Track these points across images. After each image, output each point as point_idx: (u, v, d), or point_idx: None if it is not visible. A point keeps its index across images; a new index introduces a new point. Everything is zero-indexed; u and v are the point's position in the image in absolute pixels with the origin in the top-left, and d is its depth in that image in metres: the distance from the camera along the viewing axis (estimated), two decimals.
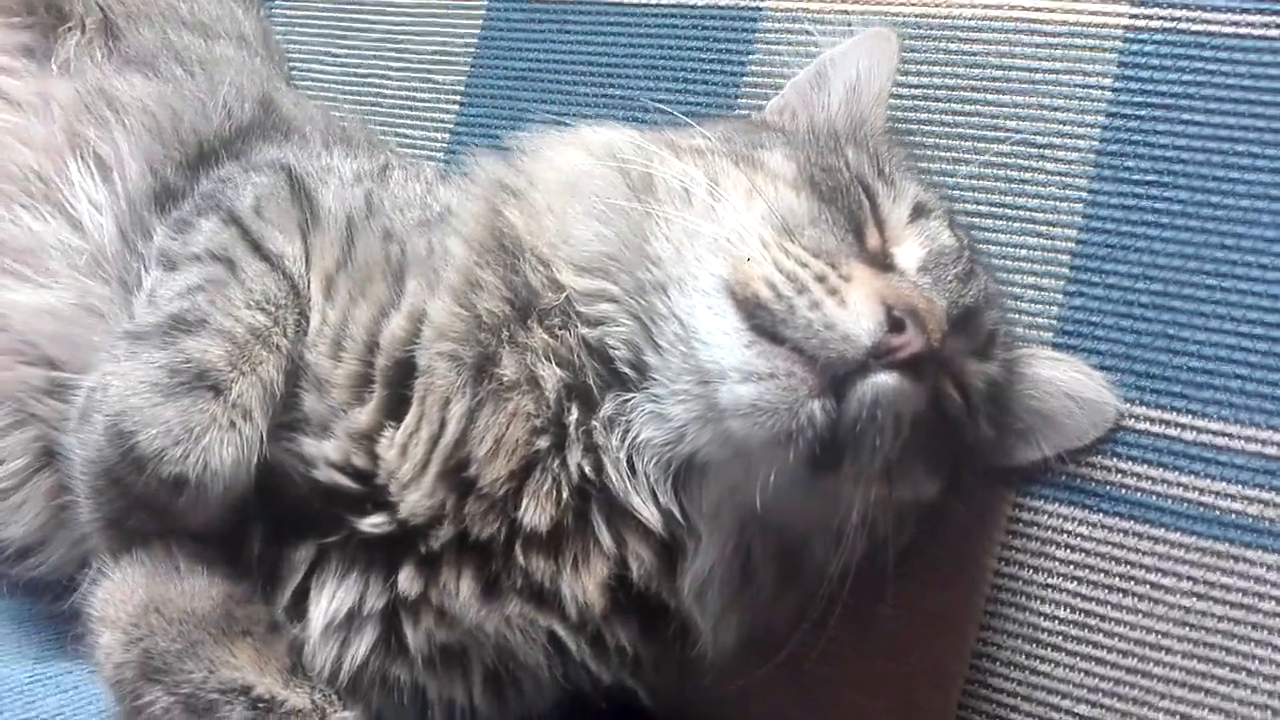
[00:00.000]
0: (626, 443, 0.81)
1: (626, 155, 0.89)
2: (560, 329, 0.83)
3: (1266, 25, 0.92)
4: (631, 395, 0.81)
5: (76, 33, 1.15)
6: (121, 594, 0.80)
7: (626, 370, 0.81)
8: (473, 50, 1.26)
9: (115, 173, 1.01)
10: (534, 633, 0.83)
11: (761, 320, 0.74)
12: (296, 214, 0.91)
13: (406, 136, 1.27)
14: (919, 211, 0.83)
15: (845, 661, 0.95)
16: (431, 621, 0.83)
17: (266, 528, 0.86)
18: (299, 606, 0.85)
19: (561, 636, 0.83)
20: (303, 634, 0.84)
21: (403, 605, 0.84)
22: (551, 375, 0.82)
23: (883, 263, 0.79)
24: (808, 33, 1.06)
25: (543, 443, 0.81)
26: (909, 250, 0.81)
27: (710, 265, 0.78)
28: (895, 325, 0.71)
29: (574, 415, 0.82)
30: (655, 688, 0.89)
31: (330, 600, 0.84)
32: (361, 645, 0.84)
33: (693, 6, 1.16)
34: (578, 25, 1.21)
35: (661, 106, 0.96)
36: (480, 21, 1.27)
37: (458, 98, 1.26)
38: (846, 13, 1.07)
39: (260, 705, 0.78)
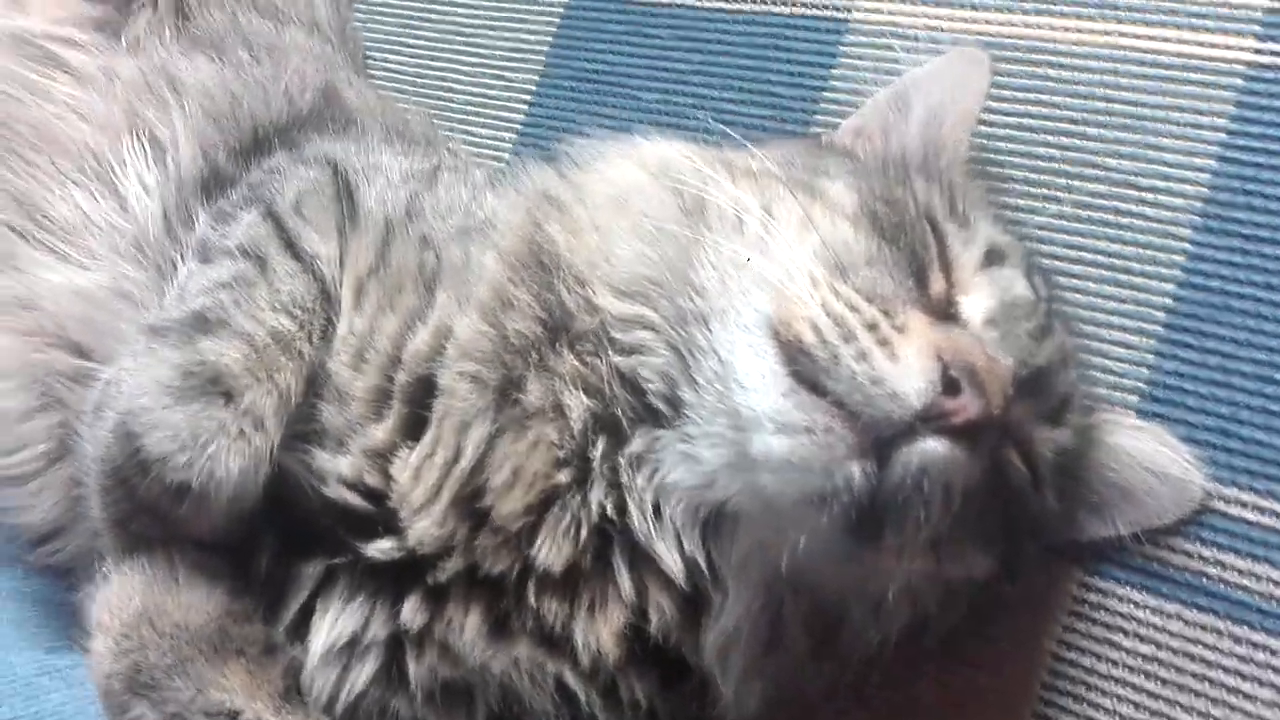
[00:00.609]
0: (654, 483, 0.76)
1: (683, 174, 0.82)
2: (592, 355, 0.78)
3: None
4: (662, 432, 0.75)
5: (149, 10, 1.14)
6: (118, 600, 0.78)
7: (659, 405, 0.76)
8: (547, 48, 1.22)
9: (169, 155, 0.99)
10: (542, 678, 0.78)
11: (803, 367, 0.67)
12: (336, 213, 0.87)
13: (474, 135, 1.23)
14: (993, 257, 0.75)
15: None
16: (435, 656, 0.79)
17: (276, 542, 0.82)
18: (301, 628, 0.81)
19: (571, 685, 0.78)
20: (302, 657, 0.80)
21: (407, 637, 0.79)
22: (579, 404, 0.77)
23: (945, 312, 0.71)
24: (895, 48, 0.98)
25: (564, 476, 0.76)
26: (977, 300, 0.73)
27: (755, 300, 0.72)
28: (950, 386, 0.64)
29: (600, 449, 0.76)
30: None
31: (333, 624, 0.80)
32: (362, 674, 0.80)
33: (776, 15, 1.09)
34: (655, 28, 1.15)
35: (722, 126, 0.89)
36: (557, 19, 1.22)
37: (528, 97, 1.21)
38: (938, 29, 0.99)
39: None
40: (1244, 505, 0.80)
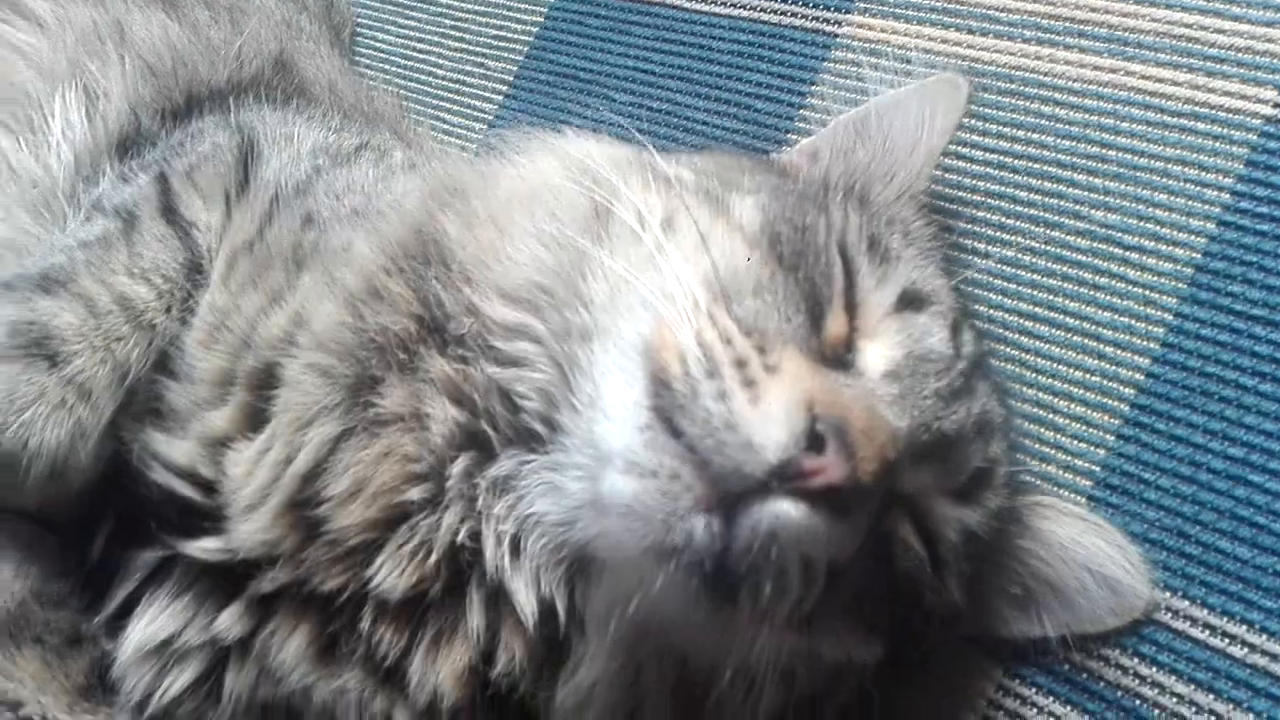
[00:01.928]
0: (515, 513, 0.66)
1: (598, 175, 0.74)
2: (463, 363, 0.69)
3: None
4: (532, 457, 0.66)
5: None
6: None
7: (534, 425, 0.67)
8: (530, 40, 1.14)
9: (99, 110, 0.93)
10: (370, 713, 0.69)
11: (663, 401, 0.58)
12: (229, 181, 0.81)
13: (446, 122, 1.16)
14: (909, 301, 0.65)
15: None
16: (255, 673, 0.71)
17: (117, 525, 0.75)
18: (122, 620, 0.74)
19: None
20: (114, 653, 0.73)
21: (230, 647, 0.71)
22: (443, 414, 0.68)
23: (839, 357, 0.61)
24: (869, 68, 0.88)
25: (415, 494, 0.68)
26: (881, 348, 0.63)
27: (637, 321, 0.63)
28: (814, 442, 0.54)
29: (459, 467, 0.68)
30: None
31: (151, 622, 0.72)
32: (178, 681, 0.72)
33: (764, 23, 1.00)
34: (639, 27, 1.08)
35: (734, 128, 0.80)
36: (544, 10, 1.15)
37: (504, 88, 1.14)
38: (932, 51, 0.90)
39: None
40: (1193, 621, 0.69)
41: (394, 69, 1.24)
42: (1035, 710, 0.72)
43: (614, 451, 0.59)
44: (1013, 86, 0.86)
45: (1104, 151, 0.80)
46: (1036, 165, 0.83)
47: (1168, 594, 0.70)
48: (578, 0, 1.13)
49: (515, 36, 1.16)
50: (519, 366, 0.68)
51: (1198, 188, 0.77)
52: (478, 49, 1.18)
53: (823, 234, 0.65)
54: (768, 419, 0.54)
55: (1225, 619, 0.68)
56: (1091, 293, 0.78)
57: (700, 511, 0.55)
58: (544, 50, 1.13)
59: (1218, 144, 0.77)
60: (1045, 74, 0.85)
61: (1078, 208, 0.80)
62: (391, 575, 0.67)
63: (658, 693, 0.68)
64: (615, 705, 0.67)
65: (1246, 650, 0.67)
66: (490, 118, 1.14)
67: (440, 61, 1.20)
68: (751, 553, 0.55)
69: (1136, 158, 0.79)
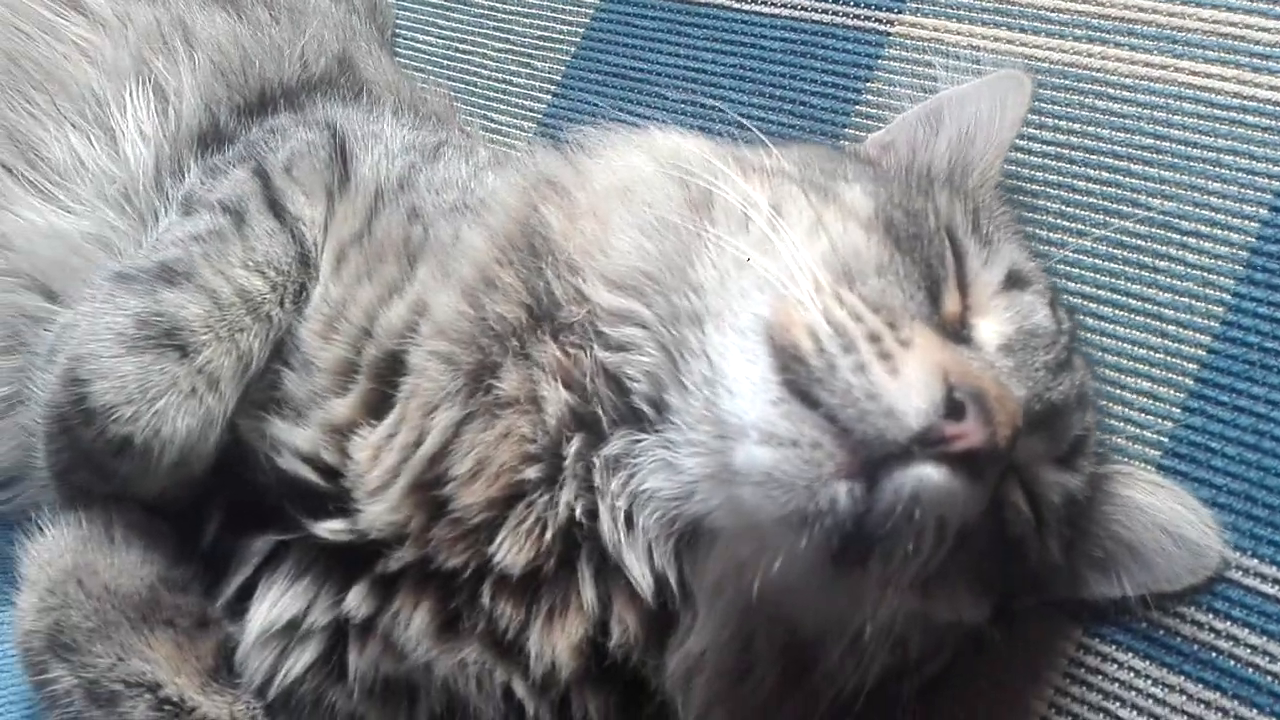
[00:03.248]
0: (629, 489, 0.70)
1: (692, 167, 0.78)
2: (577, 348, 0.73)
3: None
4: (643, 436, 0.70)
5: None
6: (48, 555, 0.74)
7: (643, 406, 0.70)
8: (577, 39, 1.18)
9: (171, 106, 0.96)
10: (490, 685, 0.72)
11: (796, 375, 0.62)
12: (327, 177, 0.83)
13: (494, 121, 1.19)
14: (1014, 281, 0.70)
15: None
16: (378, 650, 0.74)
17: (227, 512, 0.78)
18: (241, 605, 0.76)
19: (520, 695, 0.72)
20: (238, 636, 0.75)
21: (350, 626, 0.74)
22: (556, 397, 0.71)
23: (958, 333, 0.66)
24: (935, 65, 0.93)
25: (533, 473, 0.71)
26: (993, 324, 0.68)
27: (753, 302, 0.67)
28: (954, 410, 0.58)
29: (574, 447, 0.71)
30: None
31: (273, 605, 0.75)
32: (300, 661, 0.75)
33: (815, 22, 1.04)
34: (688, 27, 1.11)
35: (739, 118, 0.84)
36: (591, 11, 1.18)
37: (553, 87, 1.17)
38: (983, 49, 0.94)
39: (167, 707, 0.70)
40: (1263, 578, 0.74)
41: (437, 69, 1.26)
42: (1115, 666, 0.77)
43: (748, 424, 0.62)
44: (1067, 83, 0.91)
45: (1158, 143, 0.86)
46: (1094, 157, 0.88)
47: (1238, 553, 0.75)
48: (625, 3, 1.16)
49: (561, 37, 1.19)
50: (626, 350, 0.72)
51: (1249, 176, 0.82)
52: (523, 49, 1.21)
53: (931, 219, 0.69)
54: (909, 388, 0.58)
55: None
56: (1152, 275, 0.83)
57: (843, 478, 0.59)
58: (592, 50, 1.16)
59: (1266, 135, 0.82)
60: (1098, 70, 0.90)
61: (1135, 196, 0.86)
62: (511, 551, 0.70)
63: (768, 659, 0.71)
64: (725, 671, 0.71)
65: None
66: (540, 116, 1.17)
67: (485, 62, 1.23)
68: (893, 516, 0.58)
69: (1190, 149, 0.85)
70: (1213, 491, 0.77)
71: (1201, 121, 0.85)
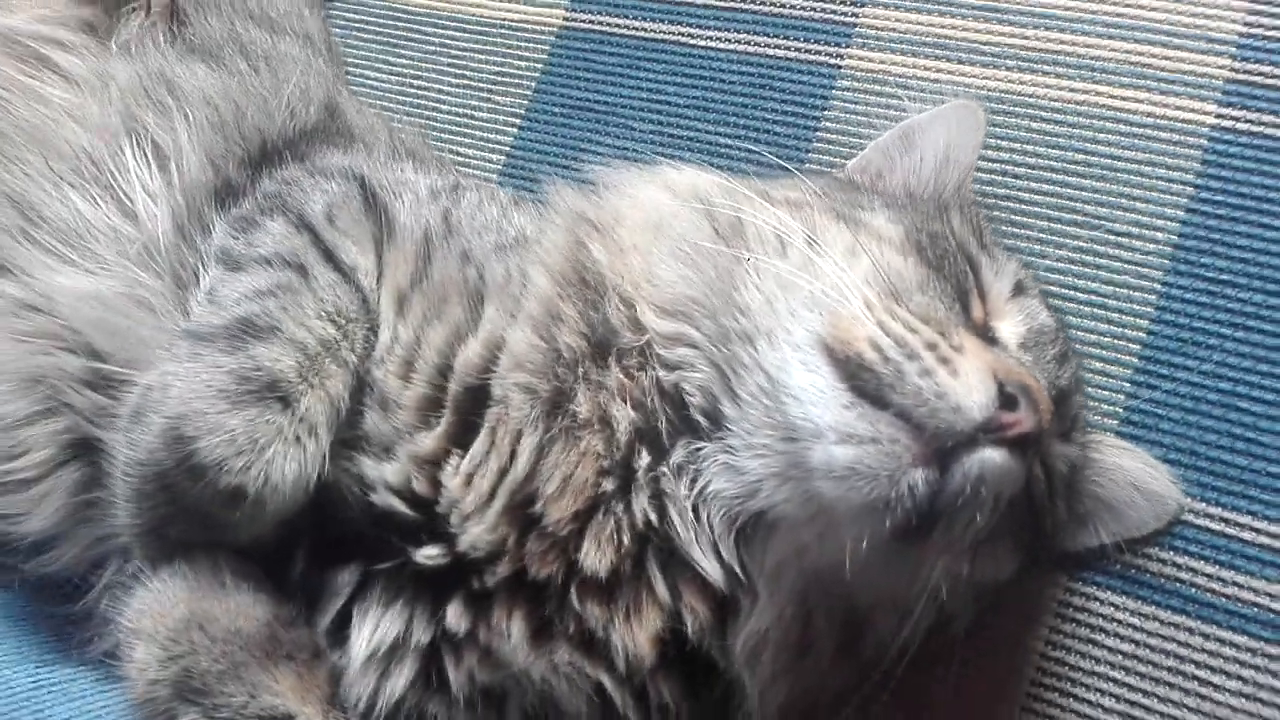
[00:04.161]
0: (694, 492, 0.79)
1: (713, 199, 0.87)
2: (637, 370, 0.82)
3: None
4: (703, 444, 0.79)
5: (141, 14, 1.13)
6: (160, 606, 0.77)
7: (699, 418, 0.79)
8: (537, 74, 1.25)
9: (173, 163, 0.97)
10: (580, 682, 0.80)
11: (864, 382, 0.72)
12: (371, 227, 0.89)
13: (461, 155, 1.25)
14: (1019, 288, 0.82)
15: None
16: (475, 661, 0.80)
17: (311, 548, 0.82)
18: (338, 634, 0.81)
19: (608, 688, 0.80)
20: (340, 662, 0.80)
21: (447, 641, 0.81)
22: (624, 416, 0.80)
23: (987, 336, 0.78)
24: (891, 95, 1.06)
25: (609, 485, 0.79)
26: (1010, 326, 0.80)
27: (806, 320, 0.76)
28: (1008, 401, 0.70)
29: (643, 459, 0.80)
30: None
31: (374, 630, 0.81)
32: (400, 679, 0.81)
33: (770, 56, 1.15)
34: (647, 62, 1.20)
35: (776, 159, 0.94)
36: (547, 49, 1.25)
37: (517, 120, 1.24)
38: (928, 80, 1.07)
39: None
40: (1211, 518, 0.90)
41: (392, 105, 1.30)
42: (1098, 604, 0.91)
43: (824, 427, 0.71)
44: (1004, 108, 1.05)
45: (1087, 159, 1.01)
46: (1034, 172, 1.02)
47: (1191, 500, 0.90)
48: (581, 40, 1.24)
49: (520, 72, 1.26)
50: (681, 369, 0.81)
51: (1166, 184, 0.98)
52: (482, 84, 1.27)
53: (950, 239, 0.81)
54: (970, 387, 0.69)
55: (1233, 512, 0.89)
56: (1094, 271, 0.98)
57: (920, 465, 0.69)
58: (553, 84, 1.24)
59: (1178, 148, 0.98)
60: (1030, 96, 1.04)
61: (1072, 204, 1.00)
62: (595, 556, 0.79)
63: (826, 631, 0.81)
64: (789, 646, 0.81)
65: (1253, 534, 0.89)
66: (507, 149, 1.24)
67: (444, 97, 1.29)
68: (963, 494, 0.69)
69: (1114, 162, 1.00)
70: (1164, 450, 0.92)
71: (1122, 138, 1.00)
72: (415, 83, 1.31)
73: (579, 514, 0.79)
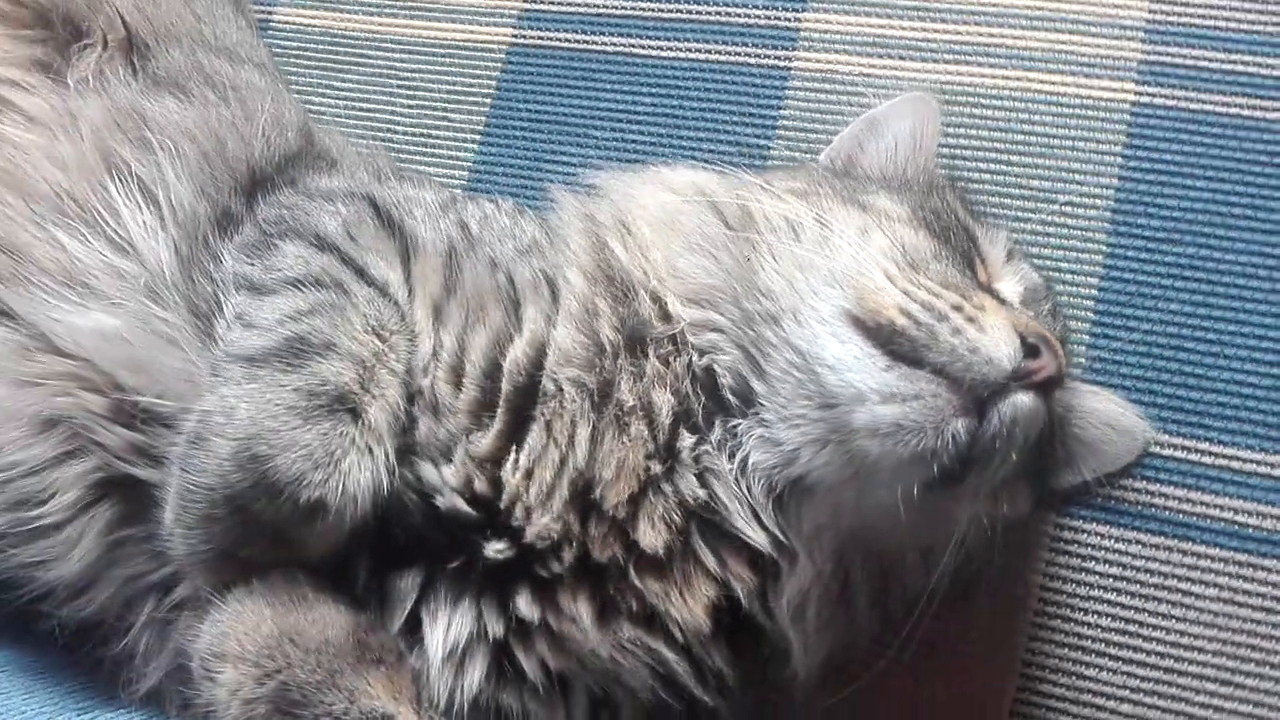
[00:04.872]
0: (735, 466, 0.84)
1: (716, 192, 0.93)
2: (671, 357, 0.87)
3: (1253, 107, 1.07)
4: (738, 421, 0.85)
5: (96, 49, 1.11)
6: (244, 626, 0.77)
7: (732, 398, 0.85)
8: (492, 90, 1.28)
9: (162, 196, 0.96)
10: (644, 656, 0.84)
11: (899, 346, 0.78)
12: (394, 243, 0.91)
13: (424, 173, 1.27)
14: (1011, 253, 0.92)
15: (898, 680, 0.99)
16: (546, 648, 0.84)
17: (371, 556, 0.84)
18: (410, 637, 0.83)
19: (669, 660, 0.85)
20: (417, 663, 0.83)
21: (516, 632, 0.84)
22: (665, 402, 0.85)
23: (996, 296, 0.86)
24: (843, 92, 1.14)
25: (656, 467, 0.84)
26: (1010, 287, 0.89)
27: (830, 296, 0.82)
28: (1030, 351, 0.78)
29: (686, 441, 0.85)
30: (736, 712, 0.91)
31: (448, 628, 0.83)
32: (476, 674, 0.83)
33: (721, 63, 1.22)
34: (601, 74, 1.26)
35: (723, 154, 1.01)
36: (499, 66, 1.29)
37: (477, 137, 1.28)
38: (873, 76, 1.17)
39: None
40: (1175, 447, 1.01)
41: (342, 128, 1.31)
42: (1086, 535, 1.01)
43: (867, 390, 0.77)
44: (946, 97, 1.14)
45: (1026, 139, 1.12)
46: (980, 154, 1.12)
47: (1154, 432, 1.02)
48: (533, 55, 1.28)
49: (474, 89, 1.29)
50: (711, 353, 0.87)
51: (1099, 156, 1.10)
52: (436, 103, 1.30)
53: (948, 212, 0.89)
54: (998, 341, 0.77)
55: (1191, 440, 1.01)
56: (1044, 238, 1.08)
57: (960, 415, 0.76)
58: (509, 100, 1.28)
59: (1104, 124, 1.10)
60: (968, 85, 1.14)
61: (1019, 180, 1.11)
62: (651, 535, 0.83)
63: (862, 581, 0.89)
64: (830, 600, 0.87)
65: (1211, 457, 1.00)
66: (470, 165, 1.27)
67: (397, 118, 1.31)
68: (999, 437, 0.77)
69: (1051, 140, 1.11)
70: (1127, 392, 1.02)
71: (1055, 119, 1.11)
72: (364, 106, 1.32)
73: (634, 496, 0.83)
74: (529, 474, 0.83)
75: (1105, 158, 1.09)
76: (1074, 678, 0.99)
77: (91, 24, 1.11)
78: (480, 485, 0.83)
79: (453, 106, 1.29)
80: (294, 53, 1.36)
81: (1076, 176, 1.10)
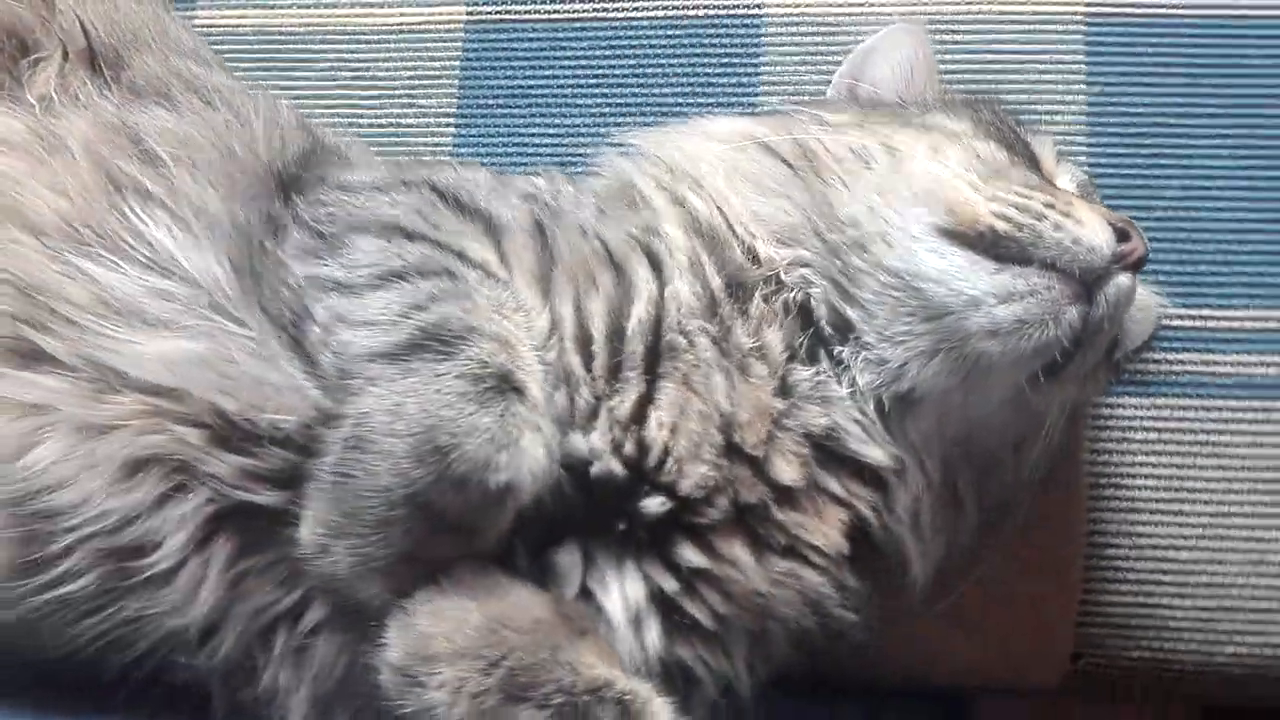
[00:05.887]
0: (847, 390, 0.88)
1: (768, 136, 0.96)
2: (772, 297, 0.90)
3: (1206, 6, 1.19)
4: (841, 348, 0.89)
5: (54, 62, 1.02)
6: (448, 624, 0.75)
7: (828, 328, 0.89)
8: (457, 73, 1.25)
9: (188, 209, 0.91)
10: (795, 585, 0.88)
11: (1005, 249, 0.82)
12: (475, 224, 0.89)
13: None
14: (1060, 153, 0.99)
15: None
16: (713, 596, 0.86)
17: (525, 537, 0.83)
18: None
19: (817, 584, 0.88)
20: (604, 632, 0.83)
21: (683, 585, 0.85)
22: (775, 340, 0.88)
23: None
24: (818, 33, 1.19)
25: (780, 404, 0.87)
26: (1067, 182, 0.96)
27: (918, 215, 0.86)
28: (1121, 235, 0.85)
29: (800, 374, 0.88)
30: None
31: (622, 593, 0.84)
32: (653, 632, 0.85)
33: (691, 18, 1.24)
34: (573, 42, 1.25)
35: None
36: (459, 46, 1.26)
37: (451, 119, 1.24)
38: (845, 14, 1.22)
39: (624, 701, 0.76)
40: (1181, 316, 1.12)
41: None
42: (1120, 408, 1.10)
43: (981, 295, 0.81)
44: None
45: (996, 58, 1.18)
46: (956, 76, 1.19)
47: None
48: (493, 31, 1.26)
49: (438, 72, 1.26)
50: (803, 289, 0.90)
51: (1057, 65, 1.16)
52: (399, 92, 1.26)
53: (1000, 123, 0.95)
54: (1096, 230, 0.83)
55: (1193, 308, 1.12)
56: None
57: (1074, 303, 0.82)
58: (478, 79, 1.25)
59: (1064, 36, 1.19)
60: (934, 14, 1.20)
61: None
62: (788, 470, 0.87)
63: (969, 480, 0.94)
64: (943, 504, 0.93)
65: (1215, 321, 1.12)
66: (451, 148, 1.24)
67: (359, 111, 1.26)
68: (1106, 317, 0.84)
69: (1018, 57, 1.18)
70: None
71: (1018, 36, 1.18)
72: (322, 102, 1.26)
73: (769, 434, 0.86)
74: (674, 429, 0.84)
75: (1071, 68, 1.18)
76: (1133, 538, 1.09)
77: (40, 36, 1.03)
78: (629, 447, 0.83)
79: (419, 92, 1.26)
80: (228, 57, 1.27)
81: (1047, 89, 1.17)
